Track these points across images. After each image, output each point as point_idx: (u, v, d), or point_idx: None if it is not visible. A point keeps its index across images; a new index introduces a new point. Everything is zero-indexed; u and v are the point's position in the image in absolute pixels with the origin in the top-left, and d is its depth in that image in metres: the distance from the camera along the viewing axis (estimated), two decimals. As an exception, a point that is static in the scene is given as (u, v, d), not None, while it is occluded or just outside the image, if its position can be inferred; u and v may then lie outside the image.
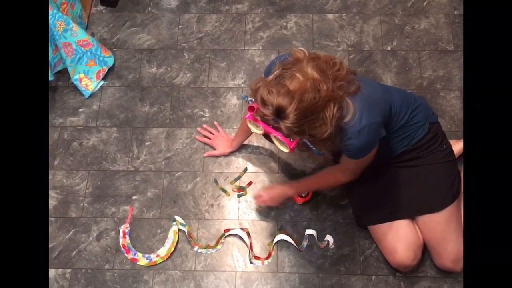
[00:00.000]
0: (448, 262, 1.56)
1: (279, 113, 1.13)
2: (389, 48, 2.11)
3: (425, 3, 2.21)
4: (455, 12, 2.18)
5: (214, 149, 1.91)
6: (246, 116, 1.23)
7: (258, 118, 1.21)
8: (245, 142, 1.91)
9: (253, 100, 1.21)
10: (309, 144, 1.21)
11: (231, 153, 1.91)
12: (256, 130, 1.26)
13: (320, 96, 1.14)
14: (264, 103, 1.14)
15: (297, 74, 1.16)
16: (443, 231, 1.54)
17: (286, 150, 1.23)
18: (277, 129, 1.19)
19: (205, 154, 1.91)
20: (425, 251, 1.65)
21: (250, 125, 1.26)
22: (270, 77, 1.21)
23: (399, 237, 1.57)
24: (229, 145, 1.88)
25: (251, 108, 1.20)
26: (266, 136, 1.27)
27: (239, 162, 1.90)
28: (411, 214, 1.60)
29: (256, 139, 1.93)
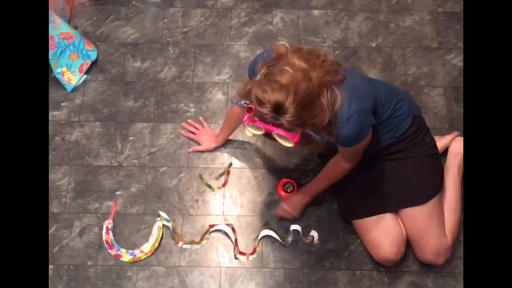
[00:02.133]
0: (429, 256, 1.58)
1: (278, 109, 1.12)
2: (374, 45, 2.12)
3: (409, 1, 2.23)
4: (439, 9, 2.20)
5: (199, 144, 1.90)
6: (244, 120, 1.21)
7: (256, 119, 1.20)
8: (230, 137, 1.90)
9: (248, 102, 1.19)
10: (312, 133, 1.20)
11: (216, 148, 1.90)
12: (257, 131, 1.24)
13: (313, 85, 1.14)
14: (260, 102, 1.13)
15: (286, 68, 1.15)
16: (425, 224, 1.56)
17: (290, 144, 1.22)
18: (278, 125, 1.18)
19: (190, 150, 1.89)
20: (408, 246, 1.66)
21: (249, 129, 1.24)
22: (258, 77, 1.20)
23: (383, 232, 1.58)
24: (214, 140, 1.87)
25: (249, 110, 1.17)
26: (267, 135, 1.26)
27: (224, 158, 1.89)
28: (395, 207, 1.61)
29: (241, 135, 1.92)
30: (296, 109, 1.12)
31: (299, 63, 1.16)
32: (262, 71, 1.19)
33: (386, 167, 1.59)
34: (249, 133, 1.26)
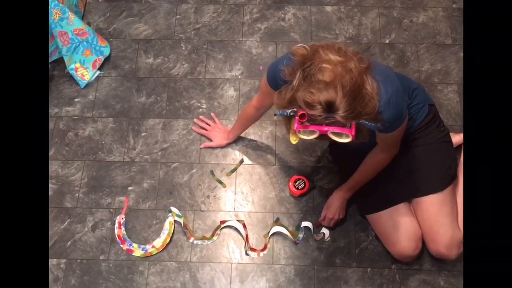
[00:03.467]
0: (441, 248, 1.55)
1: (330, 107, 1.09)
2: (387, 41, 2.10)
3: (423, -4, 2.21)
4: (454, 5, 2.17)
5: (211, 140, 1.90)
6: (295, 128, 1.17)
7: (307, 123, 1.16)
8: (242, 134, 1.90)
9: (294, 110, 1.16)
10: (367, 122, 1.15)
11: (228, 145, 1.90)
12: (309, 136, 1.19)
13: (355, 75, 1.12)
14: (310, 105, 1.10)
15: (324, 65, 1.12)
16: (436, 213, 1.54)
17: (348, 139, 1.17)
18: (330, 124, 1.15)
19: (202, 146, 1.90)
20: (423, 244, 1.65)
21: (301, 135, 1.19)
22: (296, 82, 1.16)
23: (400, 228, 1.57)
24: (226, 136, 1.88)
25: (302, 116, 1.13)
26: (320, 136, 1.20)
27: (236, 154, 1.90)
28: (409, 196, 1.60)
29: (253, 132, 1.92)
30: (348, 103, 1.09)
31: (334, 57, 1.14)
32: (298, 75, 1.15)
33: (401, 156, 1.57)
34: (296, 140, 1.21)
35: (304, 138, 1.19)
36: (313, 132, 1.17)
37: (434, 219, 1.55)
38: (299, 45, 1.22)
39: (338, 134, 1.17)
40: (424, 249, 1.66)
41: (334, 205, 1.69)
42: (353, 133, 1.15)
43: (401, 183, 1.59)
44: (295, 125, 1.16)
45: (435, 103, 1.64)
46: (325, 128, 1.15)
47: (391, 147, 1.50)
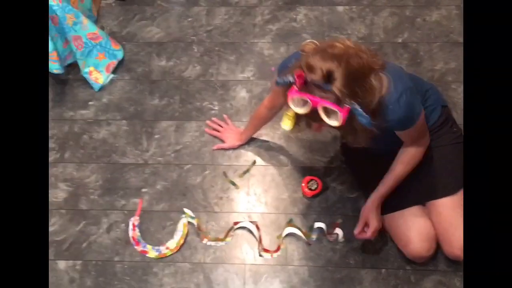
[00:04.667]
0: (456, 250, 1.53)
1: (329, 76, 1.08)
2: (400, 40, 2.09)
3: (436, -5, 2.19)
4: (467, 3, 2.15)
5: (223, 142, 1.91)
6: (289, 93, 1.14)
7: (302, 92, 1.13)
8: (255, 136, 1.90)
9: (293, 78, 1.14)
10: (360, 110, 1.12)
11: (240, 146, 1.90)
12: (301, 109, 1.15)
13: (363, 63, 1.12)
14: (311, 68, 1.10)
15: (337, 44, 1.14)
16: (452, 215, 1.52)
17: (336, 123, 1.13)
18: (325, 98, 1.12)
19: (214, 147, 1.91)
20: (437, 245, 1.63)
21: (293, 105, 1.16)
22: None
23: (414, 228, 1.56)
24: (238, 138, 1.88)
25: (299, 76, 1.12)
26: (311, 116, 1.17)
27: (248, 155, 1.90)
28: (424, 199, 1.59)
29: (266, 133, 1.92)
30: (348, 80, 1.09)
31: (348, 43, 1.15)
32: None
33: None
34: (287, 123, 1.21)
35: (297, 110, 1.15)
36: (305, 103, 1.13)
37: (449, 222, 1.53)
38: (308, 41, 1.22)
39: (329, 113, 1.13)
40: (438, 250, 1.64)
41: (374, 217, 1.56)
42: (344, 115, 1.11)
43: (414, 186, 1.57)
44: (290, 93, 1.14)
45: (448, 103, 1.63)
46: (318, 100, 1.12)
47: (418, 139, 1.46)
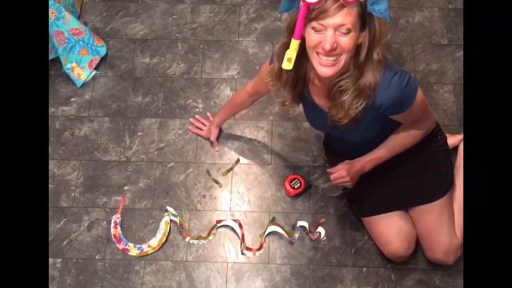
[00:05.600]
0: (439, 254, 1.56)
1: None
2: (383, 41, 2.10)
3: (420, -3, 2.21)
4: (450, 6, 2.18)
5: (205, 138, 1.92)
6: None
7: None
8: (238, 134, 1.91)
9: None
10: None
11: (224, 144, 1.90)
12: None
13: (373, 37, 1.17)
14: None
15: None
16: (435, 221, 1.55)
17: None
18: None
19: (191, 129, 1.93)
20: (417, 244, 1.65)
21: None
22: None
23: (393, 228, 1.57)
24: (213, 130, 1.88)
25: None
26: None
27: (232, 154, 1.90)
28: (407, 205, 1.60)
29: (249, 132, 1.92)
30: (356, 23, 1.12)
31: None
32: None
33: (397, 164, 1.57)
34: (288, 64, 1.19)
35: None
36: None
37: (433, 227, 1.55)
38: None
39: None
40: (418, 249, 1.67)
41: (355, 173, 1.50)
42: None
43: (398, 191, 1.59)
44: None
45: (431, 105, 1.63)
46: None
47: (419, 122, 1.40)
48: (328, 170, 1.56)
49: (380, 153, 1.47)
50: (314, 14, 1.11)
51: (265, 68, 1.46)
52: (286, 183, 1.79)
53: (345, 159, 1.63)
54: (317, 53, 1.17)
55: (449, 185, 1.58)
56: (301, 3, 1.11)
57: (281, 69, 1.27)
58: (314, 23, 1.13)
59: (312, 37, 1.15)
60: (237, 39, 2.13)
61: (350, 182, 1.50)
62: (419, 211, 1.58)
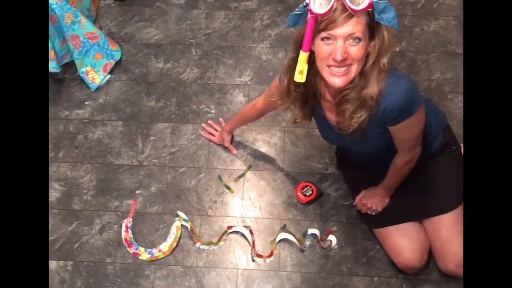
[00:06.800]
0: (452, 266, 1.54)
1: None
2: (397, 49, 2.09)
3: (435, 5, 2.20)
4: (465, 14, 2.16)
5: (217, 144, 1.92)
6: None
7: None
8: (250, 139, 1.91)
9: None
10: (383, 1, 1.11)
11: (233, 143, 1.91)
12: (324, 8, 1.10)
13: (382, 44, 1.16)
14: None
15: None
16: (449, 232, 1.53)
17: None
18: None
19: (203, 134, 1.94)
20: (430, 255, 1.63)
21: (315, 5, 1.11)
22: None
23: (406, 238, 1.56)
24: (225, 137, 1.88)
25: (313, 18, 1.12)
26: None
27: (244, 160, 1.90)
28: (420, 216, 1.59)
29: (261, 138, 1.92)
30: (365, 32, 1.12)
31: None
32: None
33: (411, 175, 1.55)
34: (300, 77, 1.19)
35: (317, 11, 1.10)
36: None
37: (446, 238, 1.53)
38: None
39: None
40: (431, 260, 1.65)
41: (376, 198, 1.61)
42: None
43: (412, 202, 1.58)
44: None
45: (446, 118, 1.61)
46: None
47: (411, 149, 1.40)
48: (354, 203, 1.70)
49: (388, 182, 1.55)
50: (323, 25, 1.11)
51: (274, 85, 1.45)
52: (298, 190, 1.79)
53: (357, 168, 1.63)
54: (328, 66, 1.17)
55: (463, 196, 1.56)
56: (309, 15, 1.12)
57: (289, 85, 1.29)
58: (323, 34, 1.13)
59: (322, 49, 1.15)
60: (250, 45, 2.13)
61: (375, 207, 1.61)
62: (432, 222, 1.56)
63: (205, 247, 1.74)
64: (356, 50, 1.13)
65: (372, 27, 1.14)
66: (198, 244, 1.74)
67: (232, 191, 1.84)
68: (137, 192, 1.85)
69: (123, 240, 1.75)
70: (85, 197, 1.84)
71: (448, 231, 1.53)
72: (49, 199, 1.84)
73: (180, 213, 1.78)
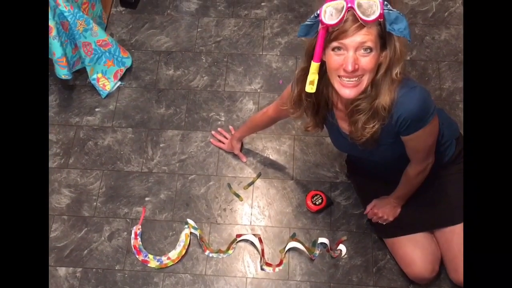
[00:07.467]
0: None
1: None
2: (408, 58, 2.09)
3: (446, 14, 2.19)
4: (477, 23, 2.15)
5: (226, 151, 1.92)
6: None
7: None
8: (260, 148, 1.90)
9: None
10: (394, 12, 1.10)
11: (243, 151, 1.91)
12: (334, 19, 1.09)
13: (394, 54, 1.16)
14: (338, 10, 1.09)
15: None
16: (461, 243, 1.51)
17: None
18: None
19: (213, 142, 1.94)
20: (441, 266, 1.61)
21: (326, 17, 1.11)
22: None
23: (417, 249, 1.54)
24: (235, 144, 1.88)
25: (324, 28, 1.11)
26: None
27: (253, 168, 1.89)
28: (432, 226, 1.57)
29: (271, 146, 1.92)
30: (376, 42, 1.11)
31: None
32: None
33: (424, 185, 1.54)
34: (311, 87, 1.19)
35: (328, 22, 1.10)
36: (339, 11, 1.09)
37: (458, 249, 1.52)
38: None
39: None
40: (442, 271, 1.63)
41: (388, 207, 1.60)
42: (381, 6, 1.09)
43: (424, 212, 1.57)
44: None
45: (458, 128, 1.60)
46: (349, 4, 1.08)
47: (424, 159, 1.39)
48: (365, 213, 1.70)
49: (400, 192, 1.55)
50: (334, 35, 1.11)
51: (286, 93, 1.45)
52: (308, 199, 1.78)
53: (367, 177, 1.62)
54: (339, 76, 1.16)
55: None
56: (320, 25, 1.11)
57: (300, 94, 1.29)
58: (334, 43, 1.12)
59: (333, 60, 1.15)
60: (261, 53, 2.13)
61: (386, 217, 1.61)
62: (444, 233, 1.55)
63: (214, 255, 1.73)
64: (367, 60, 1.12)
65: (384, 38, 1.13)
66: (207, 252, 1.73)
67: (241, 199, 1.83)
68: (147, 199, 1.85)
69: (132, 247, 1.75)
70: (94, 203, 1.85)
71: (460, 242, 1.51)
72: (59, 206, 1.84)
73: (189, 220, 1.78)
